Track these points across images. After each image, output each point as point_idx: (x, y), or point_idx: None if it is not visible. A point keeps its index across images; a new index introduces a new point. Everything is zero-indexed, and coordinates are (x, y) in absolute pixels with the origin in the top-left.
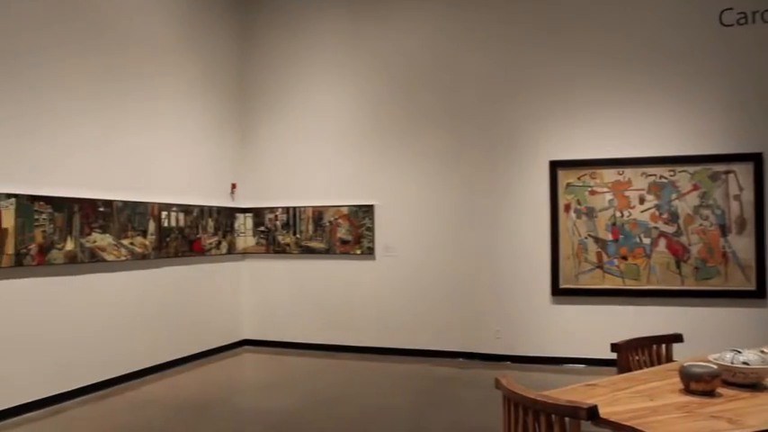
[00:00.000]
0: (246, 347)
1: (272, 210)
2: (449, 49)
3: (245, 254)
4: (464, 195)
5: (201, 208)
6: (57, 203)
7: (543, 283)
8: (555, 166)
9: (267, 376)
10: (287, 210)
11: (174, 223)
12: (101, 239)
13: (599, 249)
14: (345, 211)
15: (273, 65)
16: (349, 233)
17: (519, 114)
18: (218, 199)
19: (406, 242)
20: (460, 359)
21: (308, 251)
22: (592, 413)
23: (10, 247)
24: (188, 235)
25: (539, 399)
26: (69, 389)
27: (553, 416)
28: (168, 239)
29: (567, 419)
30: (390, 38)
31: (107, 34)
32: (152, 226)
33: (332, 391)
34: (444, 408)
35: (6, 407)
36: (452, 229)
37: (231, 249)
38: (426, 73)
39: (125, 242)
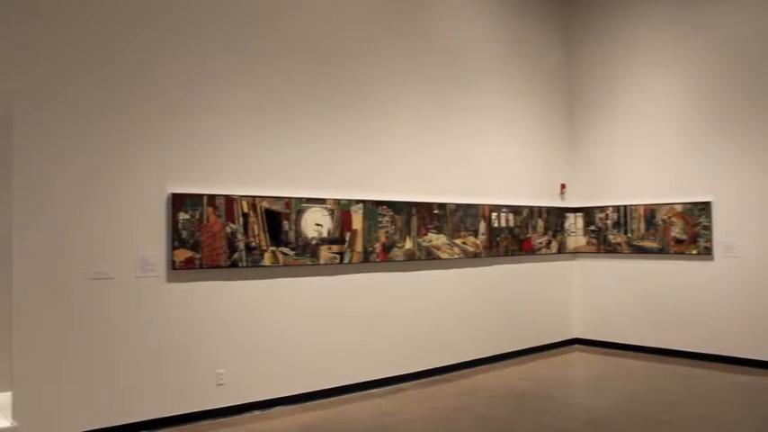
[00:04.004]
0: (577, 346)
1: (602, 209)
2: None
3: (576, 253)
4: None
5: (531, 208)
6: (397, 207)
7: None
8: None
9: (592, 375)
10: (617, 208)
11: (503, 223)
12: (436, 239)
13: None
14: (679, 208)
15: (599, 64)
16: (683, 232)
17: None
18: (547, 199)
19: (747, 241)
20: None
21: (639, 251)
22: None
23: (359, 246)
24: (518, 234)
25: None
26: (407, 371)
27: None
28: (498, 239)
29: None
30: (720, 23)
31: (434, 50)
32: (483, 226)
33: (655, 396)
34: None
35: (353, 382)
36: None
37: (561, 249)
38: (763, 59)
39: (458, 241)
